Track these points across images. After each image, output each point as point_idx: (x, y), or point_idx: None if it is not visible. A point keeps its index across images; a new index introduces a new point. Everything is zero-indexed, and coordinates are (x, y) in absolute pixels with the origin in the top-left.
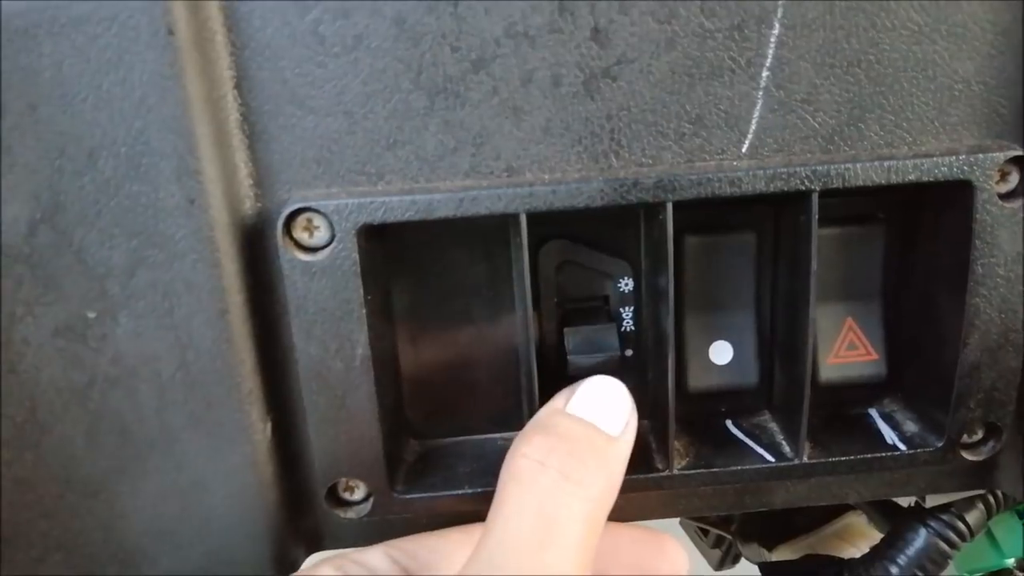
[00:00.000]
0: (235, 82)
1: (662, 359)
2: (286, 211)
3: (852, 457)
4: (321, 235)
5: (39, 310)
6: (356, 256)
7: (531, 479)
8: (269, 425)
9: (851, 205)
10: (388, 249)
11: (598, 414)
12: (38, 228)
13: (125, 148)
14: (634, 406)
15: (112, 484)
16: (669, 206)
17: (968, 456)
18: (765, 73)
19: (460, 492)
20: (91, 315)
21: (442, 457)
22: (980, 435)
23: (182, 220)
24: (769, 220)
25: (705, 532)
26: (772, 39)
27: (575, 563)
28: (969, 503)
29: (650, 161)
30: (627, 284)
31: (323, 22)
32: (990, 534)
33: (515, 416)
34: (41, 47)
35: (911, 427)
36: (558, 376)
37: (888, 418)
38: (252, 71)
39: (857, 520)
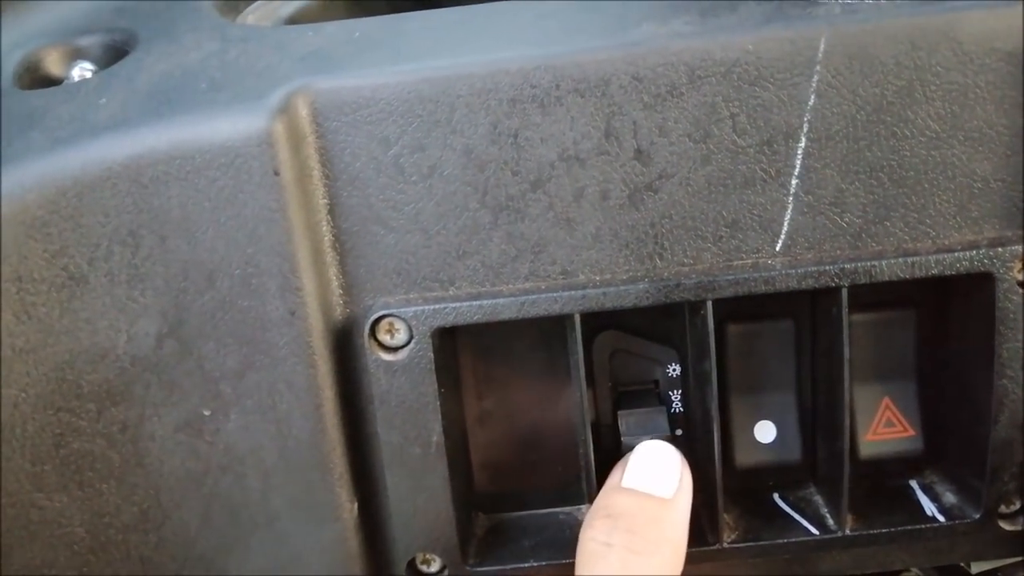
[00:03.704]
0: (328, 208)
1: (709, 439)
2: (372, 317)
3: (893, 529)
4: (401, 336)
5: (163, 410)
6: (431, 355)
7: (602, 560)
8: (356, 504)
9: (883, 292)
10: (458, 343)
11: (651, 481)
12: (165, 341)
13: (238, 270)
14: (685, 463)
15: (222, 560)
16: (709, 303)
17: (1006, 526)
18: (794, 181)
19: (527, 565)
20: (207, 413)
21: (508, 531)
22: (1017, 506)
23: (285, 329)
24: (806, 307)
25: None
26: (799, 151)
27: None
28: (1016, 567)
29: (691, 261)
30: (675, 369)
31: (402, 156)
32: None
33: (575, 491)
34: (170, 190)
35: (951, 498)
36: (614, 453)
37: (928, 489)
38: (343, 199)
39: None
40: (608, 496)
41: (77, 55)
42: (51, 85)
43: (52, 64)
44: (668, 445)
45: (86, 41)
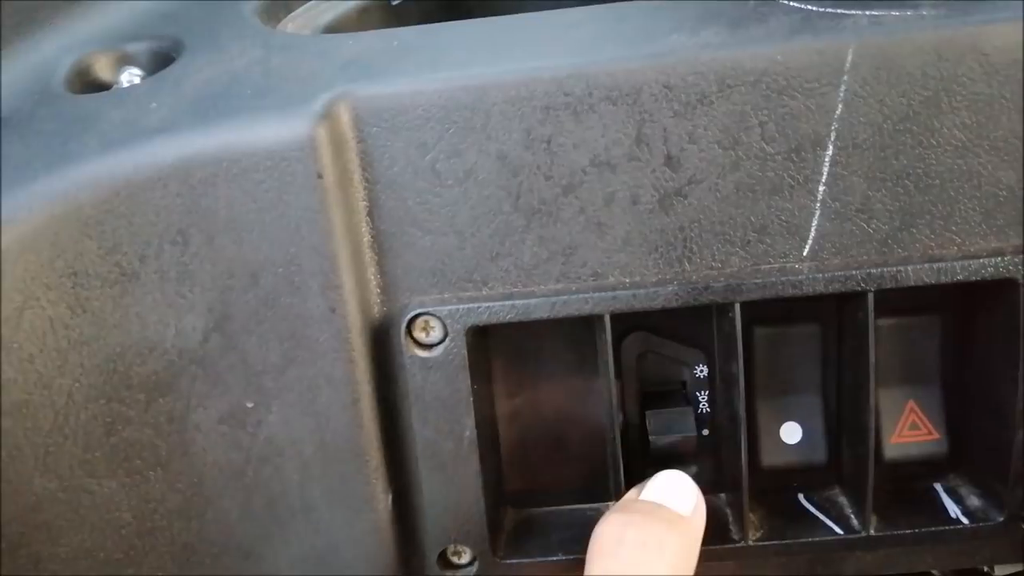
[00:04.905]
0: (367, 210)
1: (735, 439)
2: (408, 315)
3: (917, 530)
4: (436, 334)
5: (208, 402)
6: (465, 352)
7: (613, 552)
8: (390, 496)
9: (908, 297)
10: (491, 342)
11: (668, 498)
12: (211, 335)
13: (281, 269)
14: (700, 493)
15: (260, 548)
16: (737, 306)
17: None
18: (822, 188)
19: (554, 559)
20: (250, 405)
21: (537, 525)
22: None
23: (325, 326)
24: (832, 311)
25: None
26: (826, 159)
27: None
28: None
29: (719, 265)
30: (702, 370)
31: (439, 160)
32: None
33: (602, 489)
34: (218, 191)
35: (975, 501)
36: (641, 452)
37: (952, 492)
38: (381, 201)
39: None
40: (625, 503)
41: (126, 61)
42: (101, 90)
43: (102, 69)
44: (686, 475)
45: (134, 48)
